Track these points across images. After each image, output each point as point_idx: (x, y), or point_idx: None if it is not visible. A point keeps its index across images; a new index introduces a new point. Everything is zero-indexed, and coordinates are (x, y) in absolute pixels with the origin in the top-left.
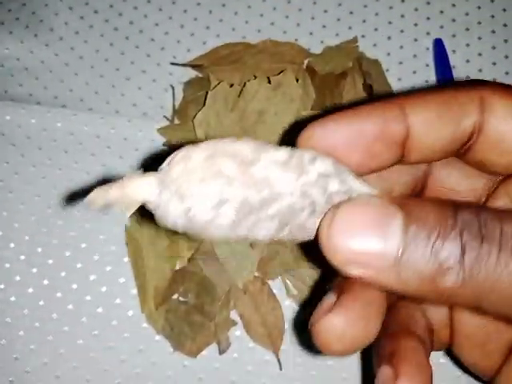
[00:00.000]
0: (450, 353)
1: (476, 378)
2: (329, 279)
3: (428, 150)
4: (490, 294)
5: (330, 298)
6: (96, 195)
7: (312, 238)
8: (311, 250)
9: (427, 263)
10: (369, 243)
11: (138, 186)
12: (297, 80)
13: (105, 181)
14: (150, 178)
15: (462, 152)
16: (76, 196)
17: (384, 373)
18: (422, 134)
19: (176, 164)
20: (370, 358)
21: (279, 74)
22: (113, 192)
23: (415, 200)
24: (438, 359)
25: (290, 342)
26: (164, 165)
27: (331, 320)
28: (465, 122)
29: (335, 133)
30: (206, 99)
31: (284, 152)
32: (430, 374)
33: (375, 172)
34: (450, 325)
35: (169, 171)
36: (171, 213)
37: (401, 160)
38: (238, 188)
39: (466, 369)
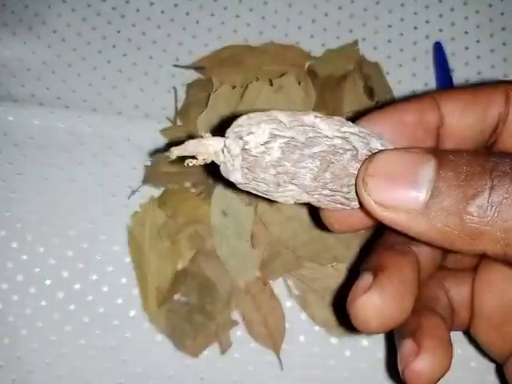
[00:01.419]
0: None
1: (491, 360)
2: (363, 261)
3: (459, 138)
4: None
5: (366, 278)
6: (177, 147)
7: (351, 204)
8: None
9: (456, 202)
10: (402, 188)
11: (211, 141)
12: (298, 82)
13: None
14: (219, 138)
15: (490, 143)
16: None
17: (407, 347)
18: (453, 122)
19: (241, 116)
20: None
21: (281, 76)
22: (190, 145)
23: (450, 150)
24: None
25: (290, 342)
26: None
27: (369, 298)
28: (491, 112)
29: (381, 124)
30: (208, 101)
31: (326, 117)
32: (451, 351)
33: None
34: (470, 305)
35: (235, 122)
36: (232, 152)
37: (437, 142)
38: (288, 129)
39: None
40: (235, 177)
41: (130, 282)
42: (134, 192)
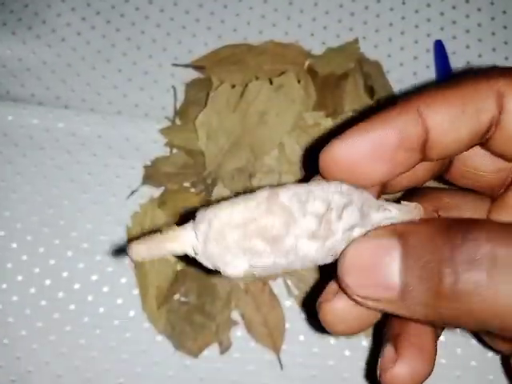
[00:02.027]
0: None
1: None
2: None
3: (448, 147)
4: (492, 319)
5: (331, 286)
6: (137, 249)
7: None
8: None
9: (426, 294)
10: (374, 280)
11: (176, 242)
12: (298, 81)
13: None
14: (188, 235)
15: (483, 143)
16: (120, 251)
17: (387, 353)
18: (440, 135)
19: (211, 241)
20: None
21: (281, 75)
22: (153, 248)
23: (412, 225)
24: (439, 359)
25: (290, 342)
26: (198, 221)
27: (335, 303)
28: (482, 118)
29: (356, 147)
30: (207, 100)
31: (312, 221)
32: (432, 360)
33: (401, 174)
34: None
35: (206, 248)
36: (207, 265)
37: (423, 158)
38: (267, 258)
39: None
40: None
41: (130, 282)
42: (133, 192)
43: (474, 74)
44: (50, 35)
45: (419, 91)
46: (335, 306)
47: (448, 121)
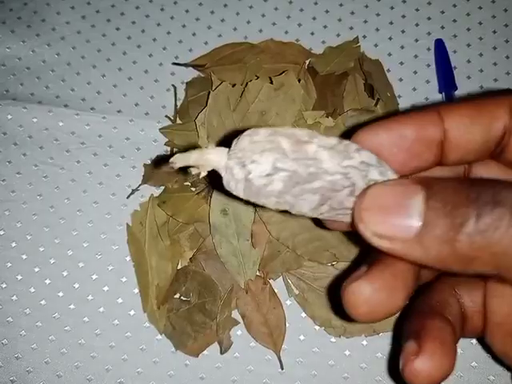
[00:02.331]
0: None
1: (508, 368)
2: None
3: (464, 151)
4: (505, 258)
5: (361, 269)
6: (180, 157)
7: (349, 219)
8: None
9: (446, 231)
10: (395, 219)
11: (213, 154)
12: (299, 80)
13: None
14: (222, 149)
15: (497, 153)
16: (162, 160)
17: (409, 347)
18: (457, 137)
19: (244, 137)
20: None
21: (281, 74)
22: (193, 157)
23: (436, 178)
24: None
25: (291, 342)
26: (235, 140)
27: (359, 285)
28: (495, 125)
29: (380, 136)
30: (208, 99)
31: (334, 139)
32: (454, 356)
33: (417, 172)
34: (483, 312)
35: (238, 143)
36: (235, 176)
37: (440, 161)
38: (290, 161)
39: (499, 360)
40: (237, 192)
41: (130, 282)
42: (133, 191)
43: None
44: (49, 34)
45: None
46: (359, 289)
47: (463, 124)
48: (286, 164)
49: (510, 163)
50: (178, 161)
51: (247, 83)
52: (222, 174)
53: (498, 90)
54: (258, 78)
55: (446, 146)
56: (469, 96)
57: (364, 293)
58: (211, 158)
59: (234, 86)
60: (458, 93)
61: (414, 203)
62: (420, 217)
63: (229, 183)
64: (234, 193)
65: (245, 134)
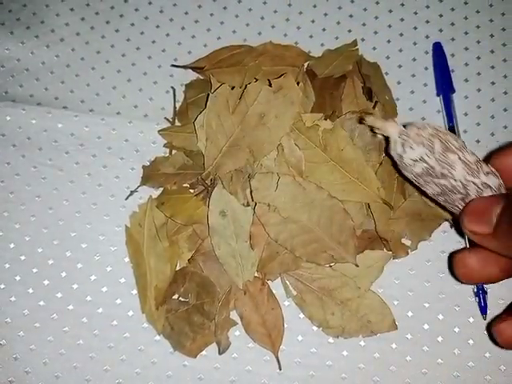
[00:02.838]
0: None
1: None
2: None
3: None
4: None
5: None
6: (371, 120)
7: (457, 213)
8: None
9: (509, 228)
10: (481, 221)
11: (392, 127)
12: (298, 83)
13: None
14: (399, 127)
15: None
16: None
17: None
18: None
19: (414, 127)
20: None
21: (280, 76)
22: (380, 123)
23: None
24: (437, 359)
25: (289, 342)
26: (408, 125)
27: (463, 254)
28: None
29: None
30: (207, 101)
31: (474, 157)
32: None
33: None
34: None
35: (408, 129)
36: (396, 149)
37: None
38: (434, 159)
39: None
40: (392, 156)
41: (129, 283)
42: (132, 192)
43: None
44: (48, 35)
45: None
46: (464, 255)
47: None
48: (430, 160)
49: None
50: (370, 121)
51: (246, 86)
52: (391, 143)
53: None
54: (256, 80)
55: None
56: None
57: (465, 259)
58: (390, 130)
59: (233, 88)
60: (455, 95)
61: (495, 209)
62: (496, 219)
63: (390, 150)
64: (391, 154)
65: (416, 125)
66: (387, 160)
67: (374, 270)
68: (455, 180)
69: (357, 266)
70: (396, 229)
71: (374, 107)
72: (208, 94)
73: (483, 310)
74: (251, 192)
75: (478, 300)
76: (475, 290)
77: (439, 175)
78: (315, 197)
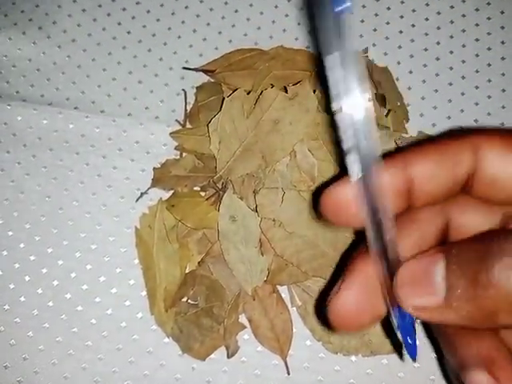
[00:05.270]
0: None
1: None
2: None
3: (430, 195)
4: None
5: (337, 284)
6: None
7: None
8: None
9: (466, 288)
10: (424, 291)
11: None
12: (314, 91)
13: None
14: None
15: (467, 190)
16: None
17: (482, 379)
18: (422, 183)
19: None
20: None
21: (296, 84)
22: None
23: (457, 242)
24: (414, 363)
25: (297, 347)
26: None
27: (340, 296)
28: (459, 169)
29: (349, 192)
30: (222, 105)
31: None
32: None
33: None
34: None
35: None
36: None
37: (410, 205)
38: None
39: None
40: None
41: (138, 284)
42: (142, 194)
43: (455, 134)
44: (60, 36)
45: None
46: (339, 299)
47: (428, 171)
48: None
49: (479, 198)
50: None
51: (262, 91)
52: None
53: (463, 128)
54: (272, 86)
55: (414, 192)
56: (435, 136)
57: (343, 302)
58: None
59: (248, 93)
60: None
61: (438, 270)
62: (444, 284)
63: None
64: None
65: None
66: None
67: None
68: None
69: None
70: None
71: (386, 115)
72: (219, 97)
73: (411, 351)
74: (256, 207)
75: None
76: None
77: None
78: None
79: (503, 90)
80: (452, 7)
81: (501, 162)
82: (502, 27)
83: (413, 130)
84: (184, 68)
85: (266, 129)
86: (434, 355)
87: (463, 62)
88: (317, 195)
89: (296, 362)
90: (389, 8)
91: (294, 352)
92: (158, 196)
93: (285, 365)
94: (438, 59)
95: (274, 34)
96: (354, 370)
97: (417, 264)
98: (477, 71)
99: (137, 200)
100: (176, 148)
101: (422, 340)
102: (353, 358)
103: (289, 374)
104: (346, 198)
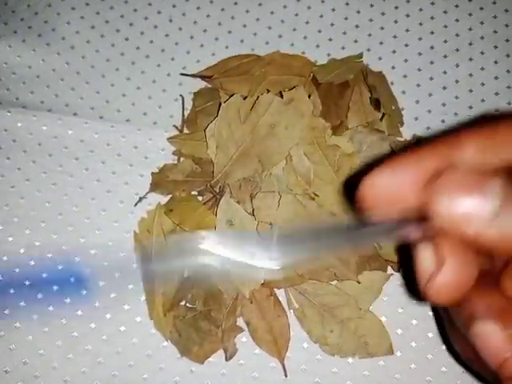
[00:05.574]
0: None
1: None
2: None
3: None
4: None
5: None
6: None
7: None
8: None
9: None
10: (471, 199)
11: None
12: (309, 96)
13: None
14: None
15: None
16: None
17: (489, 329)
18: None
19: None
20: None
21: (291, 89)
22: None
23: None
24: (410, 364)
25: (295, 349)
26: None
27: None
28: (506, 154)
29: (394, 177)
30: (218, 110)
31: None
32: None
33: None
34: None
35: None
36: None
37: None
38: None
39: None
40: None
41: (137, 289)
42: (141, 199)
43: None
44: (59, 43)
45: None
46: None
47: (475, 156)
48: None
49: None
50: None
51: (258, 96)
52: None
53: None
54: (268, 91)
55: None
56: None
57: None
58: None
59: (244, 98)
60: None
61: (491, 184)
62: (496, 196)
63: None
64: None
65: None
66: None
67: (373, 290)
68: None
69: (358, 282)
70: None
71: (381, 119)
72: (216, 103)
73: None
74: (253, 211)
75: None
76: None
77: None
78: (316, 215)
79: (496, 94)
80: (445, 12)
81: None
82: (495, 31)
83: (407, 133)
84: (181, 74)
85: (262, 133)
86: (430, 356)
87: (457, 66)
88: (349, 185)
89: (293, 365)
90: (383, 13)
91: (291, 354)
92: (157, 200)
93: (282, 367)
94: (432, 63)
95: (270, 39)
96: (350, 372)
97: (468, 172)
98: (470, 75)
99: (135, 204)
100: (174, 153)
101: (420, 341)
102: (350, 359)
103: (286, 376)
104: (387, 185)
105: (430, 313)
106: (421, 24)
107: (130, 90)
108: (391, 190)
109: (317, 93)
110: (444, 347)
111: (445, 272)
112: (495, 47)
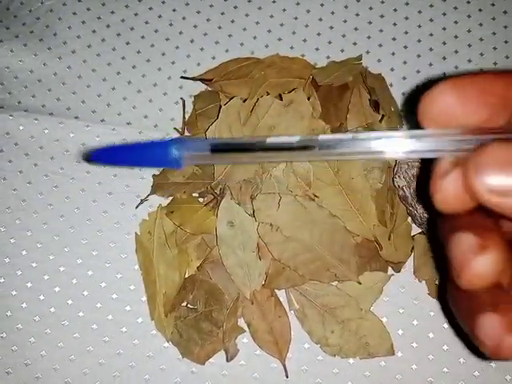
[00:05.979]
0: None
1: None
2: None
3: None
4: None
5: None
6: None
7: None
8: None
9: None
10: (509, 174)
11: None
12: (308, 98)
13: None
14: None
15: None
16: None
17: (491, 321)
18: None
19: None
20: None
21: (291, 91)
22: None
23: None
24: (411, 365)
25: (295, 350)
26: None
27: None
28: None
29: (465, 90)
30: (219, 112)
31: None
32: None
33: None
34: None
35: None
36: None
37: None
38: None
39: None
40: None
41: (138, 290)
42: (142, 201)
43: None
44: (60, 47)
45: None
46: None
47: None
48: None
49: None
50: None
51: (258, 99)
52: None
53: None
54: (268, 94)
55: None
56: None
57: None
58: None
59: (244, 101)
60: None
61: None
62: None
63: None
64: None
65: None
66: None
67: (374, 291)
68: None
69: (359, 283)
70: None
71: (380, 121)
72: (217, 105)
73: None
74: (254, 212)
75: None
76: None
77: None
78: (316, 215)
79: None
80: (444, 14)
81: None
82: (494, 33)
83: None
84: (182, 77)
85: (262, 135)
86: (431, 357)
87: (456, 68)
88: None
89: (294, 365)
90: (382, 16)
91: (292, 355)
92: (158, 202)
93: (283, 368)
94: (431, 65)
95: (270, 42)
96: (351, 373)
97: (508, 146)
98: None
99: (137, 207)
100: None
101: (421, 342)
102: (351, 360)
103: (287, 376)
104: (450, 102)
105: (431, 313)
106: (420, 26)
107: (131, 93)
108: (453, 108)
109: (316, 95)
110: (445, 347)
111: (486, 258)
112: (494, 49)
